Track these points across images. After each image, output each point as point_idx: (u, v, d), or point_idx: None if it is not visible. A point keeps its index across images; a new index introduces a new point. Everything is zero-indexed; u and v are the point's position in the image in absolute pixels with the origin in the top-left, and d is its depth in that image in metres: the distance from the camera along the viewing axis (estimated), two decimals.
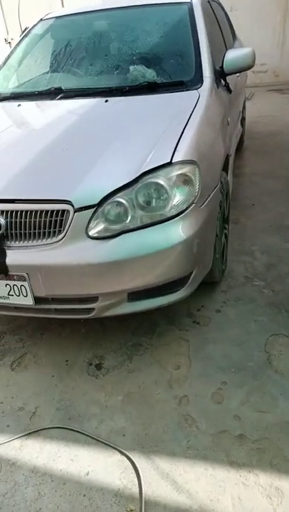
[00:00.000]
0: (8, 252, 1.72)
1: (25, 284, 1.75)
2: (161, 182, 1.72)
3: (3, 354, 2.12)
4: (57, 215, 1.68)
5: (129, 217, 1.70)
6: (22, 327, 2.30)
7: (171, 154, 1.77)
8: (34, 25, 3.13)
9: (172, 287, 1.85)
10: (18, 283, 1.76)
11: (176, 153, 1.78)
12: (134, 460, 1.53)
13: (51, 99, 2.41)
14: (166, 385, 1.85)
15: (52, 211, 1.68)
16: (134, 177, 1.71)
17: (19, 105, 2.40)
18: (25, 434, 1.69)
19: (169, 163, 1.75)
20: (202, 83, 2.29)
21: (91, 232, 1.69)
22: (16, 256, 1.72)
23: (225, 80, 2.60)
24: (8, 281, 1.77)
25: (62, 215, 1.68)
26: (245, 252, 2.77)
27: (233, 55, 2.51)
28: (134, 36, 2.70)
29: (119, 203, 1.70)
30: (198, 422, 1.66)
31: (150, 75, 2.44)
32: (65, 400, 1.83)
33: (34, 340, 2.20)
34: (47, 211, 1.69)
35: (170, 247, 1.71)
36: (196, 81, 2.31)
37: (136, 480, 1.48)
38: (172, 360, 1.97)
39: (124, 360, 2.00)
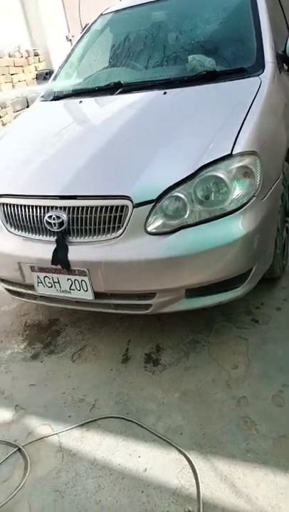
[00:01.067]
0: (71, 248, 1.77)
1: (86, 279, 1.78)
2: (221, 175, 1.66)
3: (65, 346, 2.19)
4: (116, 211, 1.69)
5: (188, 212, 1.67)
6: (82, 320, 2.36)
7: (232, 146, 1.70)
8: (94, 21, 3.15)
9: (232, 284, 1.79)
10: (79, 278, 1.80)
11: (236, 144, 1.71)
12: (192, 460, 1.51)
13: (111, 94, 2.42)
14: (224, 384, 1.80)
15: (111, 207, 1.69)
16: (192, 171, 1.67)
17: (80, 102, 2.43)
18: (86, 423, 1.74)
19: (229, 155, 1.68)
20: (264, 69, 2.17)
21: (149, 228, 1.68)
22: (78, 251, 1.76)
23: (288, 65, 2.45)
24: (70, 276, 1.81)
25: (121, 211, 1.69)
26: None
27: None
28: (193, 25, 2.62)
29: (178, 198, 1.67)
30: (257, 424, 1.61)
31: (209, 63, 2.36)
32: (123, 394, 1.85)
33: (93, 333, 2.25)
34: (106, 207, 1.70)
35: (230, 243, 1.65)
36: (258, 67, 2.19)
37: (193, 480, 1.46)
38: (230, 358, 1.92)
39: (181, 357, 1.98)
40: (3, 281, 2.12)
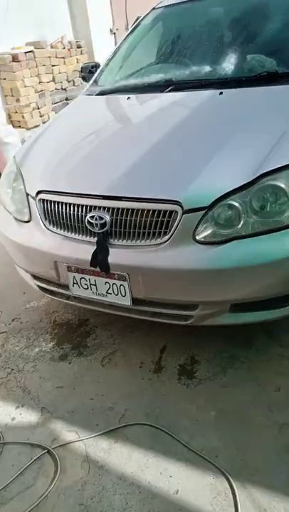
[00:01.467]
0: (112, 251, 1.68)
1: (125, 284, 1.70)
2: (282, 185, 1.55)
3: (94, 348, 2.12)
4: (164, 216, 1.60)
5: (242, 223, 1.56)
6: (112, 323, 2.28)
7: None
8: (146, 15, 3.06)
9: (280, 301, 1.68)
10: (118, 282, 1.72)
11: None
12: (234, 486, 1.41)
13: (161, 91, 2.31)
14: (266, 407, 1.69)
15: (159, 211, 1.60)
16: (251, 178, 1.55)
17: (128, 98, 2.34)
18: (114, 431, 1.66)
19: None
20: None
21: (199, 236, 1.58)
22: (119, 255, 1.67)
23: None
24: (108, 280, 1.73)
25: (169, 216, 1.59)
26: None
27: None
28: (252, 23, 2.49)
29: (232, 206, 1.56)
30: None
31: (270, 64, 2.23)
32: (154, 406, 1.76)
33: (124, 337, 2.17)
34: (154, 211, 1.61)
35: (286, 258, 1.53)
36: None
37: (229, 509, 1.37)
38: (272, 379, 1.81)
39: (218, 372, 1.88)
40: (36, 278, 2.06)
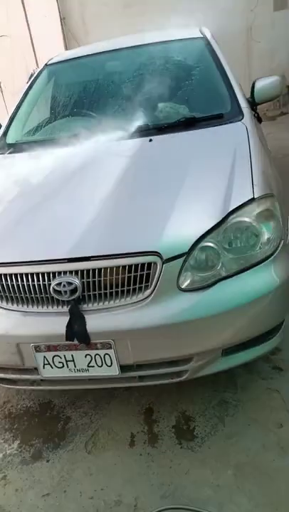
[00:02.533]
0: (88, 317, 1.49)
1: (111, 352, 1.51)
2: (249, 220, 1.56)
3: (72, 435, 1.82)
4: (142, 270, 1.48)
5: (220, 263, 1.52)
6: (80, 398, 2.01)
7: (252, 189, 1.63)
8: (40, 71, 3.00)
9: (267, 335, 1.65)
10: (102, 352, 1.52)
11: (254, 187, 1.64)
12: None
13: (82, 144, 2.23)
14: (277, 448, 1.62)
15: (136, 265, 1.48)
16: (220, 218, 1.54)
17: (51, 154, 2.20)
18: None
19: (252, 199, 1.60)
20: (243, 115, 2.20)
21: (183, 285, 1.49)
22: (98, 321, 1.49)
23: (255, 111, 2.53)
24: (89, 351, 1.52)
25: (148, 269, 1.48)
26: None
27: (262, 84, 2.47)
28: (155, 74, 2.60)
29: (209, 248, 1.52)
30: None
31: (184, 110, 2.34)
32: (166, 484, 1.55)
33: (101, 411, 1.92)
34: (130, 266, 1.48)
35: (272, 290, 1.53)
36: (236, 113, 2.21)
37: None
38: (270, 416, 1.75)
39: (216, 424, 1.76)
40: None
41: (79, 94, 2.71)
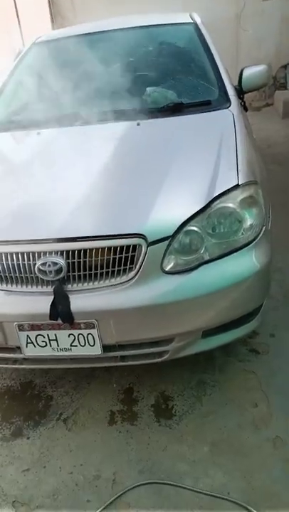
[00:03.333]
0: (72, 297, 1.51)
1: (94, 332, 1.53)
2: (232, 205, 1.60)
3: (52, 413, 1.85)
4: (127, 251, 1.50)
5: (204, 247, 1.56)
6: (62, 378, 2.04)
7: (236, 176, 1.66)
8: (28, 49, 2.93)
9: (247, 318, 1.71)
10: (85, 332, 1.54)
11: (239, 174, 1.68)
12: None
13: (70, 125, 2.22)
14: (252, 426, 1.68)
15: (121, 247, 1.49)
16: (205, 203, 1.57)
17: (38, 133, 2.18)
18: (112, 502, 1.45)
19: (237, 186, 1.63)
20: (230, 102, 2.22)
21: (167, 267, 1.52)
22: (82, 301, 1.50)
23: (242, 99, 2.55)
24: (72, 331, 1.54)
25: (133, 251, 1.50)
26: (273, 269, 2.69)
27: (250, 72, 2.49)
28: (145, 58, 2.60)
29: (193, 232, 1.55)
30: None
31: (172, 96, 2.34)
32: (144, 460, 1.60)
33: (81, 391, 1.95)
34: (115, 248, 1.50)
35: (252, 275, 1.58)
36: (224, 100, 2.23)
37: None
38: (246, 396, 1.82)
39: (194, 403, 1.81)
40: None
41: (67, 74, 2.66)
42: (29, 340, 1.59)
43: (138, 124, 2.10)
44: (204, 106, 2.21)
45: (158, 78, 2.47)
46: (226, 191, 1.61)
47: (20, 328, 1.56)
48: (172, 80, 2.46)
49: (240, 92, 2.47)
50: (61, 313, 1.50)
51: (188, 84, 2.43)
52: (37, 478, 1.58)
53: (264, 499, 1.42)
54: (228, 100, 2.23)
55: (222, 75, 2.38)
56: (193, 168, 1.74)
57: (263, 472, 1.50)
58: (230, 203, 1.60)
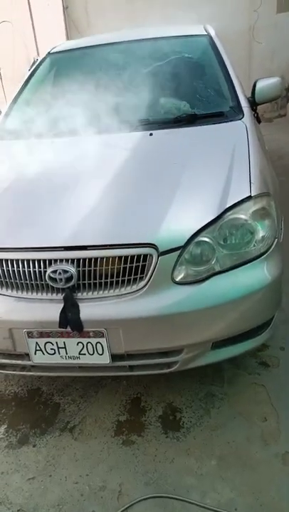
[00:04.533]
0: (82, 306, 1.51)
1: (103, 340, 1.53)
2: (245, 217, 1.59)
3: (58, 421, 1.84)
4: (138, 261, 1.50)
5: (215, 258, 1.55)
6: (69, 386, 2.03)
7: (249, 187, 1.66)
8: (43, 59, 2.99)
9: (257, 330, 1.69)
10: (94, 340, 1.54)
11: (252, 185, 1.67)
12: None
13: (84, 135, 2.24)
14: (261, 441, 1.66)
15: (132, 256, 1.49)
16: (217, 214, 1.57)
17: (52, 142, 2.20)
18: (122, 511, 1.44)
19: (249, 197, 1.62)
20: (243, 114, 2.23)
21: (178, 278, 1.51)
22: (92, 310, 1.50)
23: (255, 111, 2.56)
24: (81, 339, 1.54)
25: (144, 260, 1.50)
26: (285, 282, 2.67)
27: (263, 84, 2.49)
28: (159, 69, 2.62)
29: (204, 243, 1.55)
30: None
31: (185, 106, 2.36)
32: (151, 472, 1.58)
33: (89, 399, 1.94)
34: (126, 257, 1.50)
35: (264, 287, 1.57)
36: (237, 111, 2.24)
37: None
38: (255, 410, 1.79)
39: (202, 416, 1.79)
40: None
41: (81, 84, 2.69)
42: (38, 348, 1.59)
43: (151, 135, 2.12)
44: (217, 117, 2.22)
45: (172, 89, 2.49)
46: (238, 202, 1.60)
47: (30, 335, 1.57)
48: (186, 91, 2.48)
49: (253, 103, 2.48)
50: (71, 321, 1.50)
51: (201, 95, 2.45)
52: (42, 487, 1.57)
53: None
54: (241, 111, 2.24)
55: (236, 86, 2.39)
56: (206, 178, 1.74)
57: (272, 488, 1.47)
58: (243, 215, 1.60)
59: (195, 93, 2.45)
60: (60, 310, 1.51)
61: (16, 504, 1.52)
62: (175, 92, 2.46)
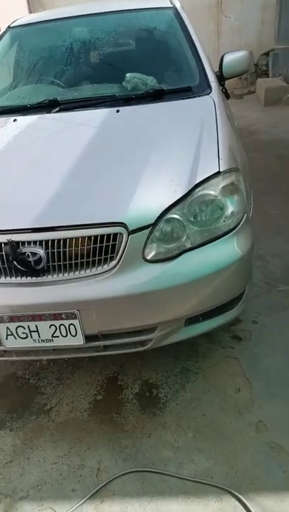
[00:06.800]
0: (53, 288, 1.48)
1: (76, 322, 1.51)
2: (214, 193, 1.59)
3: (36, 404, 1.84)
4: (108, 240, 1.48)
5: (185, 235, 1.55)
6: (45, 369, 2.02)
7: (218, 163, 1.65)
8: (2, 34, 2.84)
9: (229, 305, 1.71)
10: (67, 322, 1.52)
11: (220, 161, 1.67)
12: (246, 502, 1.36)
13: (47, 112, 2.16)
14: (235, 411, 1.70)
15: (101, 236, 1.47)
16: (186, 190, 1.56)
17: (15, 120, 2.12)
18: (97, 491, 1.45)
19: (218, 173, 1.62)
20: (211, 89, 2.20)
21: (149, 256, 1.51)
22: (64, 291, 1.48)
23: (223, 86, 2.53)
24: (54, 322, 1.52)
25: (114, 240, 1.48)
26: (255, 257, 2.71)
27: (231, 58, 2.46)
28: (124, 43, 2.55)
29: (174, 220, 1.54)
30: (285, 447, 1.54)
31: (151, 82, 2.30)
32: (129, 448, 1.61)
33: (65, 382, 1.94)
34: (96, 237, 1.47)
35: (234, 262, 1.58)
36: (204, 86, 2.21)
37: None
38: (229, 382, 1.84)
39: (178, 391, 1.82)
40: None
41: (44, 60, 2.60)
42: (9, 332, 1.56)
43: (117, 111, 2.07)
44: (185, 92, 2.19)
45: (137, 64, 2.42)
46: (207, 178, 1.60)
47: (0, 320, 1.54)
48: (152, 65, 2.42)
49: (221, 78, 2.45)
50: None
51: (168, 70, 2.41)
52: (20, 470, 1.57)
53: (247, 482, 1.44)
54: (209, 86, 2.21)
55: (203, 60, 2.36)
56: (174, 155, 1.72)
57: (246, 456, 1.53)
58: (212, 191, 1.59)
59: (162, 68, 2.40)
60: (30, 294, 1.48)
61: None
62: (141, 66, 2.39)
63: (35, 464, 1.58)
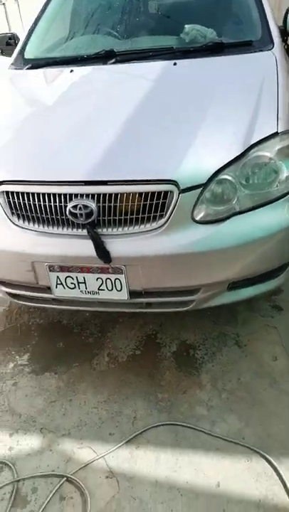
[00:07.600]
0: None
1: (121, 277, 1.55)
2: (269, 155, 1.53)
3: (78, 352, 1.93)
4: (158, 198, 1.47)
5: (236, 197, 1.51)
6: (88, 320, 2.11)
7: (276, 123, 1.58)
8: None
9: (274, 273, 1.69)
10: (113, 276, 1.56)
11: (279, 121, 1.59)
12: (275, 464, 1.40)
13: (103, 63, 2.12)
14: (270, 378, 1.71)
15: (152, 193, 1.47)
16: (241, 150, 1.50)
17: (72, 71, 2.10)
18: (134, 437, 1.54)
19: (276, 134, 1.55)
20: (273, 44, 2.06)
21: (198, 217, 1.49)
22: (111, 246, 1.51)
23: (286, 41, 2.37)
24: (101, 275, 1.57)
25: (164, 198, 1.47)
26: None
27: None
28: None
29: (226, 181, 1.50)
30: None
31: (211, 34, 2.19)
32: (164, 401, 1.67)
33: (106, 334, 2.02)
34: (146, 193, 1.47)
35: (284, 229, 1.54)
36: (267, 41, 2.08)
37: (274, 487, 1.36)
38: (267, 350, 1.84)
39: (215, 353, 1.85)
40: (4, 283, 1.78)
41: (101, 10, 2.52)
42: (59, 282, 1.62)
43: (175, 64, 2.00)
44: (246, 46, 2.07)
45: (197, 15, 2.30)
46: (263, 139, 1.53)
47: (51, 269, 1.60)
48: (212, 17, 2.30)
49: (284, 33, 2.29)
50: (102, 253, 1.50)
51: (229, 22, 2.28)
52: (63, 410, 1.68)
53: (278, 446, 1.47)
54: (272, 41, 2.08)
55: (267, 13, 2.20)
56: (231, 112, 1.65)
57: (280, 422, 1.55)
58: (268, 152, 1.53)
59: (222, 20, 2.28)
60: (80, 245, 1.52)
61: (39, 423, 1.64)
62: (201, 18, 2.26)
63: (77, 406, 1.69)
